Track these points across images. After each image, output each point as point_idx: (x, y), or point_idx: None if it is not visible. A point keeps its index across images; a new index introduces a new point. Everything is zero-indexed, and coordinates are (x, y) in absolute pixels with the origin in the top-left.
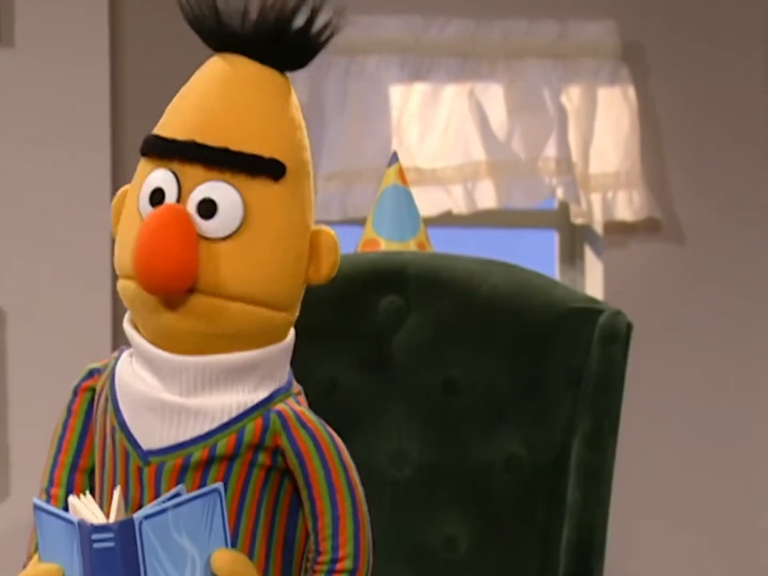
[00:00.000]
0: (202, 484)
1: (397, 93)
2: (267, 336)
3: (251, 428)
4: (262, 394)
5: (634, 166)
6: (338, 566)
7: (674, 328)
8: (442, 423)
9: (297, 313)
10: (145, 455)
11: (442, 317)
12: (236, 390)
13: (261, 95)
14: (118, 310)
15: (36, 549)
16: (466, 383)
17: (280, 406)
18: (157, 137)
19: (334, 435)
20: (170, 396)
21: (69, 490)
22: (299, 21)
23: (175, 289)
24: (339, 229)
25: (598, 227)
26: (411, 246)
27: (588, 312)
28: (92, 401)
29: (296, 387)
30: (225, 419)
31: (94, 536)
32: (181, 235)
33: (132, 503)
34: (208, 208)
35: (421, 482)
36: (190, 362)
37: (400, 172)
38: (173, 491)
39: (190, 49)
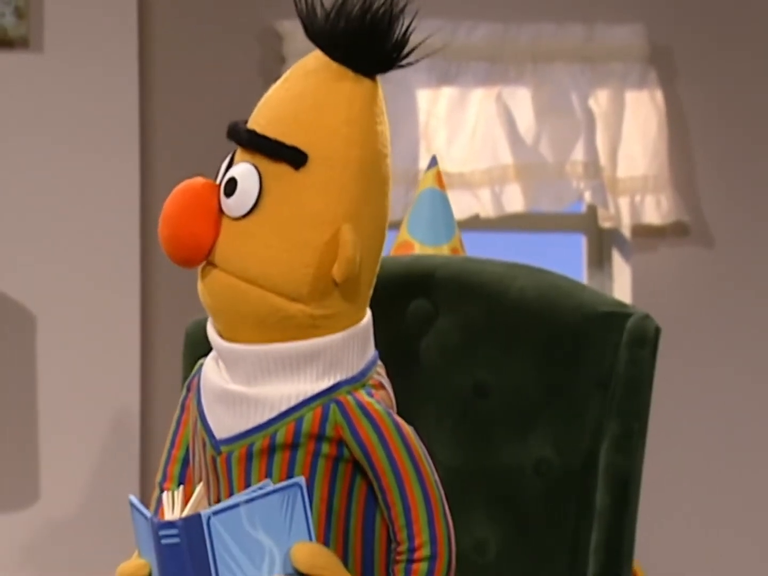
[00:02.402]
0: (268, 473)
1: (425, 97)
2: (289, 327)
3: (310, 418)
4: (325, 384)
5: (662, 169)
6: (416, 555)
7: (703, 332)
8: (472, 426)
9: (328, 310)
10: (218, 444)
11: (471, 321)
12: (297, 379)
13: (313, 87)
14: (146, 316)
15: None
16: (494, 387)
17: (342, 397)
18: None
19: (401, 422)
20: (234, 386)
21: (180, 484)
22: (385, 27)
23: (187, 261)
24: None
25: (626, 231)
26: (444, 251)
27: (616, 315)
28: None
29: (375, 379)
30: (284, 408)
31: (161, 532)
32: (195, 204)
33: (212, 494)
34: (230, 186)
35: (450, 486)
36: (248, 350)
37: (438, 176)
38: (259, 484)
39: (219, 53)
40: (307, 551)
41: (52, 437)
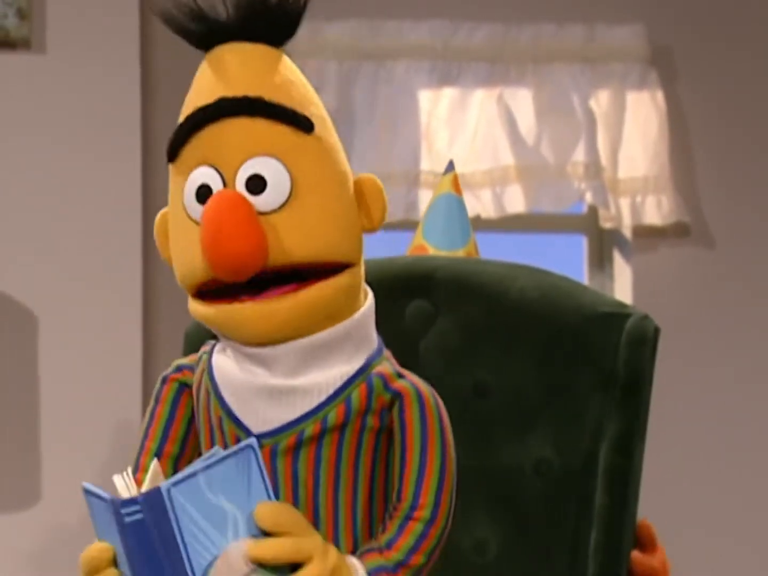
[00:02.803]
0: (317, 459)
1: (425, 98)
2: (349, 298)
3: (357, 394)
4: (360, 361)
5: (663, 170)
6: (416, 513)
7: (703, 332)
8: (471, 427)
9: (363, 266)
10: (258, 439)
11: (471, 321)
12: (337, 361)
13: (268, 61)
14: (147, 317)
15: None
16: (494, 387)
17: (378, 368)
18: (182, 122)
19: (436, 394)
20: (276, 380)
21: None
22: None
23: (252, 268)
24: (367, 234)
25: (627, 232)
26: (459, 256)
27: (616, 316)
28: (179, 392)
29: (386, 351)
30: (331, 391)
31: (123, 510)
32: (245, 213)
33: None
34: (256, 184)
35: None
36: (290, 347)
37: (455, 181)
38: (211, 451)
39: None
40: (270, 510)
41: (53, 438)
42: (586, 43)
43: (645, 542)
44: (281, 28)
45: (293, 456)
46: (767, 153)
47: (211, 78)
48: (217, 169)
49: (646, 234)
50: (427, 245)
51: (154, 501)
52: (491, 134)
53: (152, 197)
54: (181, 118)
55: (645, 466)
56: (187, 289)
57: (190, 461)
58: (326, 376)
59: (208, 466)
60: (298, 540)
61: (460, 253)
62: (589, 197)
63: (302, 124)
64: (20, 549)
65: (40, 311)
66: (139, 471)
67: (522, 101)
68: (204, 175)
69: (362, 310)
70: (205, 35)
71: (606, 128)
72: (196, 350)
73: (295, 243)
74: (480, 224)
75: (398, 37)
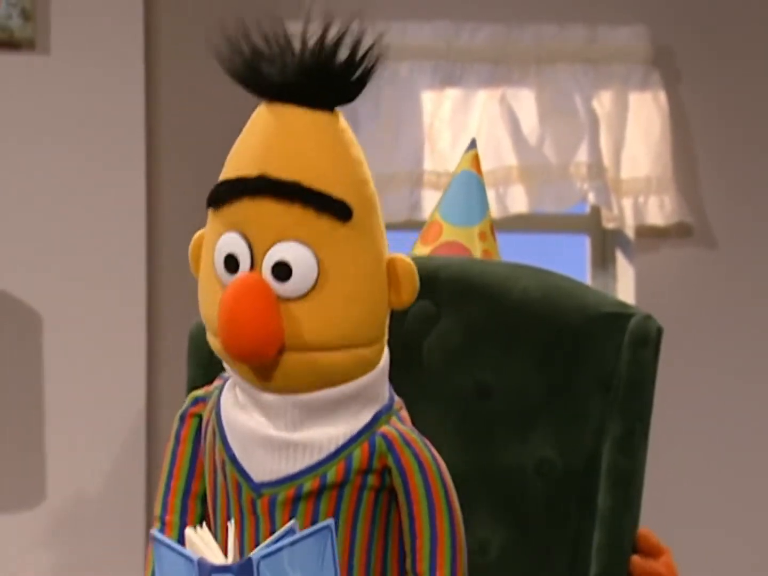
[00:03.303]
0: (315, 513)
1: (429, 99)
2: (363, 370)
3: (358, 454)
4: (365, 419)
5: (666, 170)
6: None
7: (705, 332)
8: (473, 427)
9: (386, 337)
10: (258, 487)
11: (473, 322)
12: (341, 419)
13: (320, 137)
14: (152, 317)
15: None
16: (497, 387)
17: (384, 428)
18: (223, 182)
19: (436, 455)
20: (277, 432)
21: (183, 517)
22: (342, 57)
23: (264, 358)
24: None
25: (630, 232)
26: (473, 233)
27: (618, 316)
28: (199, 427)
29: (398, 402)
30: (333, 449)
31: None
32: (265, 304)
33: (248, 534)
34: (282, 271)
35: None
36: (294, 401)
37: (475, 159)
38: (286, 527)
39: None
40: None
41: (58, 437)
42: (588, 43)
43: (647, 550)
44: (343, 94)
45: (292, 509)
46: None
47: (259, 143)
48: (248, 242)
49: (648, 234)
50: (441, 222)
51: (245, 571)
52: (494, 135)
53: (156, 198)
54: (229, 168)
55: (647, 466)
56: (203, 321)
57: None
58: (328, 434)
59: (294, 542)
60: None
61: (475, 230)
62: (591, 197)
63: (339, 213)
64: (25, 547)
65: (44, 312)
66: (168, 513)
67: (525, 102)
68: (235, 244)
69: (375, 372)
70: (265, 90)
71: (608, 129)
72: (200, 351)
73: (314, 332)
74: None
75: (401, 38)
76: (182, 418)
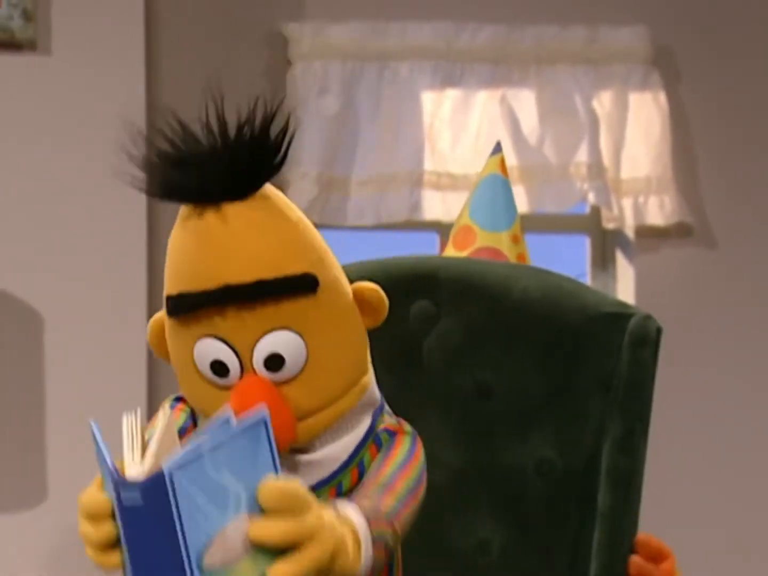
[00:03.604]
0: None
1: (429, 99)
2: (360, 397)
3: (369, 456)
4: (367, 422)
5: (666, 170)
6: (383, 501)
7: (705, 332)
8: (474, 427)
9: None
10: None
11: (474, 322)
12: (348, 431)
13: (261, 223)
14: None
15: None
16: (497, 387)
17: (383, 426)
18: (184, 295)
19: (418, 442)
20: (294, 455)
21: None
22: (256, 145)
23: (287, 449)
24: (372, 235)
25: (630, 232)
26: (504, 238)
27: (618, 316)
28: (188, 418)
29: (382, 399)
30: (345, 458)
31: (122, 493)
32: (276, 405)
33: None
34: (275, 363)
35: (453, 486)
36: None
37: (502, 163)
38: (222, 418)
39: (225, 56)
40: (275, 488)
41: (59, 438)
42: (588, 44)
43: (648, 555)
44: (262, 179)
45: None
46: None
47: (204, 251)
48: (230, 346)
49: (648, 234)
50: (474, 226)
51: (156, 485)
52: (494, 135)
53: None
54: (178, 279)
55: (647, 466)
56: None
57: None
58: (339, 448)
59: (216, 447)
60: (299, 521)
61: (505, 234)
62: (591, 198)
63: (307, 286)
64: (26, 548)
65: (46, 312)
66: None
67: (525, 102)
68: (218, 351)
69: (372, 385)
70: (183, 197)
71: (608, 129)
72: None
73: (315, 399)
74: None
75: (402, 39)
76: (176, 399)
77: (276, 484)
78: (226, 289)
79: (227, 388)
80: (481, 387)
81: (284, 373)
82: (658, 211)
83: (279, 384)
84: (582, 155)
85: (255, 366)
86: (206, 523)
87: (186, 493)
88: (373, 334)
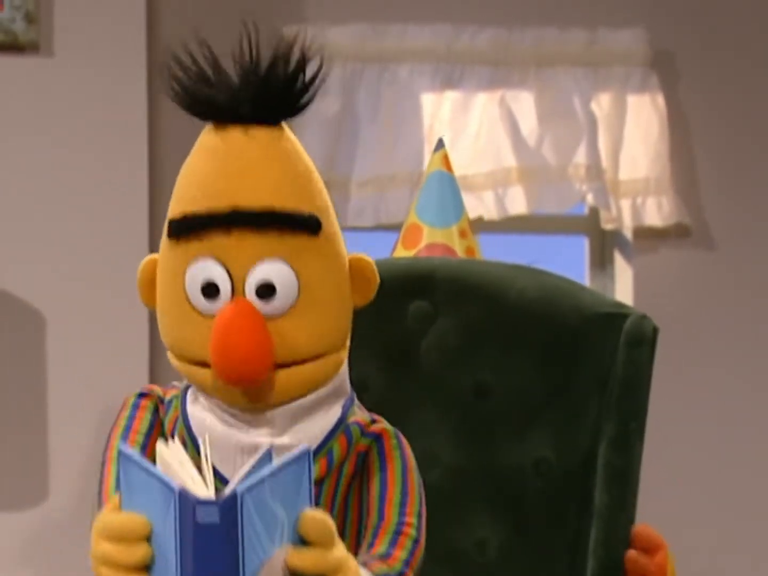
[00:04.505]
0: None
1: (429, 101)
2: (338, 370)
3: (338, 447)
4: (337, 412)
5: (664, 172)
6: (404, 530)
7: (703, 333)
8: (472, 427)
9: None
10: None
11: (471, 322)
12: (318, 418)
13: (278, 156)
14: (155, 318)
15: (113, 491)
16: (494, 387)
17: (354, 418)
18: (191, 215)
19: (405, 444)
20: (262, 439)
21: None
22: (286, 70)
23: (260, 381)
24: (372, 235)
25: (628, 233)
26: (453, 233)
27: (614, 316)
28: (155, 411)
29: (352, 392)
30: (314, 447)
31: (199, 510)
32: (256, 331)
33: None
34: (267, 292)
35: (451, 485)
36: (277, 412)
37: (445, 159)
38: (263, 453)
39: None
40: (316, 520)
41: (61, 437)
42: (587, 46)
43: (644, 547)
44: (290, 109)
45: None
46: (766, 154)
47: (225, 172)
48: (225, 268)
49: (646, 235)
50: (421, 224)
51: (229, 506)
52: (493, 136)
53: (159, 198)
54: (186, 201)
55: (644, 465)
56: (172, 350)
57: None
58: (309, 434)
59: (273, 473)
60: (330, 553)
61: (454, 229)
62: (590, 199)
63: (311, 227)
64: (27, 547)
65: (48, 312)
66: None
67: (524, 104)
68: (211, 270)
69: (344, 367)
70: (212, 112)
71: (607, 130)
72: None
73: (300, 344)
74: (482, 225)
75: (401, 41)
76: (140, 396)
77: (319, 516)
78: (234, 212)
79: (212, 316)
80: (478, 387)
81: (273, 304)
82: (657, 212)
83: (267, 319)
84: (581, 157)
85: (246, 292)
86: (259, 547)
87: (249, 516)
88: (372, 334)
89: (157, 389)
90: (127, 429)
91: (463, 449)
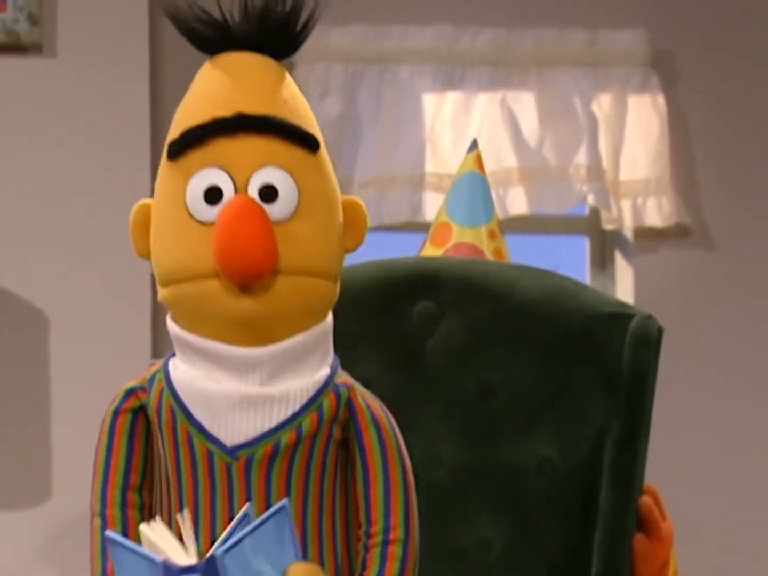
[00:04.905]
0: (289, 469)
1: (430, 101)
2: (327, 309)
3: (328, 403)
4: (326, 370)
5: (664, 172)
6: (391, 536)
7: (704, 332)
8: (476, 426)
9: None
10: (232, 451)
11: (476, 322)
12: (306, 369)
13: (281, 78)
14: (157, 318)
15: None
16: (499, 387)
17: (343, 379)
18: (195, 126)
19: (385, 408)
20: (252, 389)
21: (123, 510)
22: (286, 7)
23: (264, 274)
24: (374, 236)
25: (629, 233)
26: (482, 233)
27: (619, 316)
28: (133, 422)
29: (336, 359)
30: (305, 399)
31: None
32: (263, 222)
33: (221, 503)
34: (270, 193)
35: (455, 484)
36: (266, 353)
37: (478, 159)
38: (241, 514)
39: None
40: (302, 571)
41: (64, 437)
42: (588, 47)
43: (646, 524)
44: (289, 41)
45: (267, 466)
46: (766, 154)
47: (227, 87)
48: (228, 173)
49: (647, 235)
50: (451, 222)
51: (210, 568)
52: (494, 137)
53: None
54: (188, 118)
55: (648, 465)
56: (168, 277)
57: (151, 489)
58: (299, 384)
59: (252, 531)
60: None
61: (483, 230)
62: (590, 199)
63: (310, 144)
64: (31, 545)
65: (51, 312)
66: (108, 507)
67: (525, 105)
68: (214, 176)
69: (327, 321)
70: (214, 41)
71: (608, 131)
72: None
73: (301, 254)
74: None
75: (403, 42)
76: (116, 413)
77: (305, 568)
78: (239, 116)
79: (214, 223)
80: (483, 387)
81: (277, 207)
82: (657, 213)
83: (277, 223)
84: (581, 157)
85: (250, 194)
86: None
87: (231, 574)
88: (377, 334)
89: (135, 382)
90: (108, 459)
91: (467, 449)
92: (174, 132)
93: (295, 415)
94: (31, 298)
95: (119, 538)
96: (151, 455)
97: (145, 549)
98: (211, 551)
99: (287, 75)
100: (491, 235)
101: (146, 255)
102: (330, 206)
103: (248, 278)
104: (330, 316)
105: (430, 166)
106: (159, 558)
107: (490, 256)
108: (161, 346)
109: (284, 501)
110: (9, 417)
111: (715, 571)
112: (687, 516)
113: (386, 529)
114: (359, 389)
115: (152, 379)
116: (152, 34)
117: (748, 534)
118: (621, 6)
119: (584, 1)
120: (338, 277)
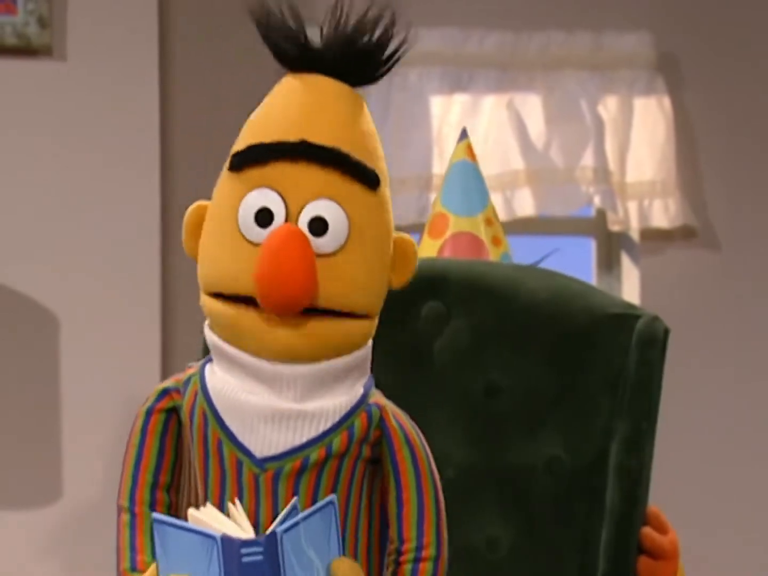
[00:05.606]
0: (316, 485)
1: (437, 104)
2: (364, 343)
3: (359, 423)
4: (359, 391)
5: (670, 174)
6: (423, 554)
7: (710, 333)
8: (483, 426)
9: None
10: (261, 463)
11: (483, 323)
12: (341, 390)
13: (353, 109)
14: (166, 318)
15: (147, 560)
16: (506, 387)
17: (375, 399)
18: (259, 144)
19: (416, 427)
20: (285, 404)
21: (152, 508)
22: (374, 38)
23: (299, 306)
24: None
25: (635, 234)
26: (479, 221)
27: (626, 317)
28: (166, 422)
29: (371, 379)
30: (337, 418)
31: (244, 550)
32: (305, 255)
33: (247, 512)
34: (319, 226)
35: (462, 484)
36: (304, 371)
37: (469, 148)
38: (290, 506)
39: (239, 61)
40: (347, 567)
41: (75, 437)
42: (594, 50)
43: (657, 526)
44: (372, 71)
45: (295, 481)
46: None
47: (298, 110)
48: (283, 198)
49: (653, 237)
50: (447, 212)
51: (271, 544)
52: (501, 139)
53: (171, 201)
54: (255, 133)
55: (654, 465)
56: (210, 288)
57: (179, 490)
58: (333, 403)
59: (306, 517)
60: None
61: (479, 218)
62: (597, 201)
63: (371, 181)
64: (42, 545)
65: (61, 313)
66: (137, 505)
67: (532, 107)
68: (268, 198)
69: (368, 344)
70: (295, 59)
71: (614, 133)
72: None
73: (340, 290)
74: None
75: (410, 45)
76: (149, 413)
77: (348, 563)
78: (302, 143)
79: (259, 245)
80: (491, 386)
81: (324, 241)
82: (663, 214)
83: (321, 256)
84: (588, 159)
85: (300, 224)
86: None
87: (288, 557)
88: (385, 335)
89: (170, 383)
90: (138, 458)
91: (475, 448)
92: (239, 144)
93: (326, 433)
94: (41, 299)
95: (169, 518)
96: (180, 456)
97: (201, 527)
98: (271, 528)
99: (364, 106)
100: (488, 222)
101: (195, 256)
102: (379, 243)
103: (282, 308)
104: (369, 342)
105: (437, 168)
106: (217, 533)
107: (488, 243)
108: (171, 347)
109: (332, 496)
110: (20, 417)
111: (722, 570)
112: (693, 515)
113: (419, 548)
114: (391, 408)
115: (188, 381)
116: (161, 37)
117: (755, 532)
118: (627, 9)
119: (590, 5)
120: (377, 314)
